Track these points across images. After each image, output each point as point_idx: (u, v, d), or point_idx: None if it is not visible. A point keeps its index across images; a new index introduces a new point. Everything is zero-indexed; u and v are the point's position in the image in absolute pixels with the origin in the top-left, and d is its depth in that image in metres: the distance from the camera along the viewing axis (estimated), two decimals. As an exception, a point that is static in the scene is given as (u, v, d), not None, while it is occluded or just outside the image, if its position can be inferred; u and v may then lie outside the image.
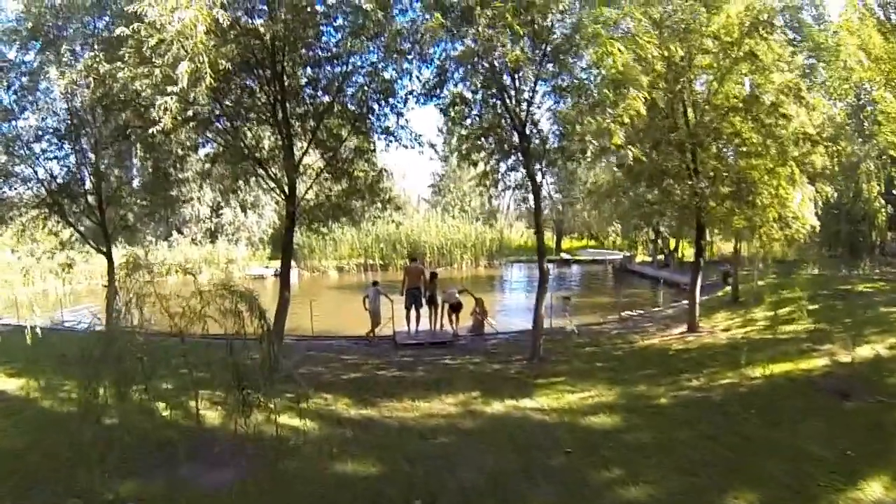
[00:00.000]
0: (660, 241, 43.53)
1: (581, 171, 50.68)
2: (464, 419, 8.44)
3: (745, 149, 14.46)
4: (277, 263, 41.86)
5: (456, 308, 16.18)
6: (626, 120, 10.31)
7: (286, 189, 11.96)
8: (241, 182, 12.97)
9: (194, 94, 9.14)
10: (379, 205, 12.97)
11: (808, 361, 10.73)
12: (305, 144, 12.31)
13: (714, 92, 14.24)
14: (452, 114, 12.87)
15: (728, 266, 29.42)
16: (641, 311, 21.57)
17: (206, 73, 8.72)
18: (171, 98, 8.82)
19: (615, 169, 16.82)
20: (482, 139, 13.09)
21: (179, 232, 44.22)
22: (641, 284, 34.77)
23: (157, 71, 8.74)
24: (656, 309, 22.01)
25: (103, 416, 7.49)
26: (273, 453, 6.91)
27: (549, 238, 62.57)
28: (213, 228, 45.84)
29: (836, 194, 15.44)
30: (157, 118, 8.91)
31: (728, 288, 24.13)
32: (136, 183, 15.72)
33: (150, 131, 9.29)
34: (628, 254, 46.14)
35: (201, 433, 7.66)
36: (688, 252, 43.65)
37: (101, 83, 10.25)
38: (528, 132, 12.51)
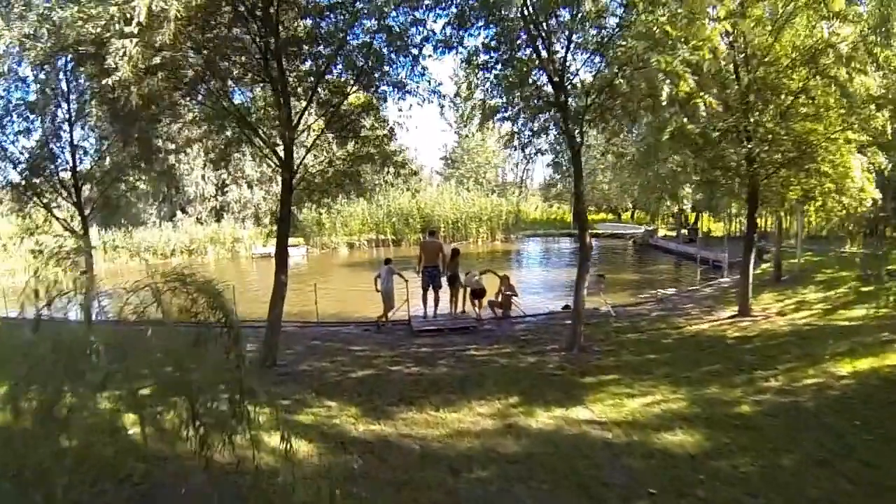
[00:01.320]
0: (682, 216, 41.94)
1: (597, 137, 48.68)
2: (504, 439, 6.62)
3: (805, 109, 12.63)
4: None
5: (478, 294, 14.42)
6: (708, 56, 8.40)
7: (281, 154, 10.12)
8: (231, 148, 11.13)
9: (160, 37, 7.29)
10: (391, 169, 11.01)
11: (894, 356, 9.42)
12: (304, 102, 10.42)
13: (771, 43, 12.27)
14: (477, 62, 10.99)
15: (763, 242, 28.02)
16: (673, 291, 20.24)
17: (171, 4, 6.91)
18: (131, 42, 7.01)
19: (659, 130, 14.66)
20: (511, 93, 11.22)
21: (184, 211, 42.83)
22: (666, 260, 33.29)
23: (112, 8, 6.93)
24: (693, 288, 20.35)
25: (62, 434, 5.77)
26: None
27: (566, 212, 60.76)
28: (218, 207, 44.47)
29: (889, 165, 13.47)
30: (114, 65, 7.09)
31: (765, 266, 22.96)
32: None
33: (105, 82, 7.42)
34: (650, 228, 44.20)
35: (168, 462, 5.90)
36: (714, 227, 42.24)
37: (54, 33, 8.40)
38: (565, 83, 10.62)
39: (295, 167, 10.22)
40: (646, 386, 8.70)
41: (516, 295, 15.20)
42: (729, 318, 13.92)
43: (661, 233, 43.58)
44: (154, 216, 43.18)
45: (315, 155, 11.30)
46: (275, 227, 10.51)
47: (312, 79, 10.30)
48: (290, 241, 35.46)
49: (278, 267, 10.08)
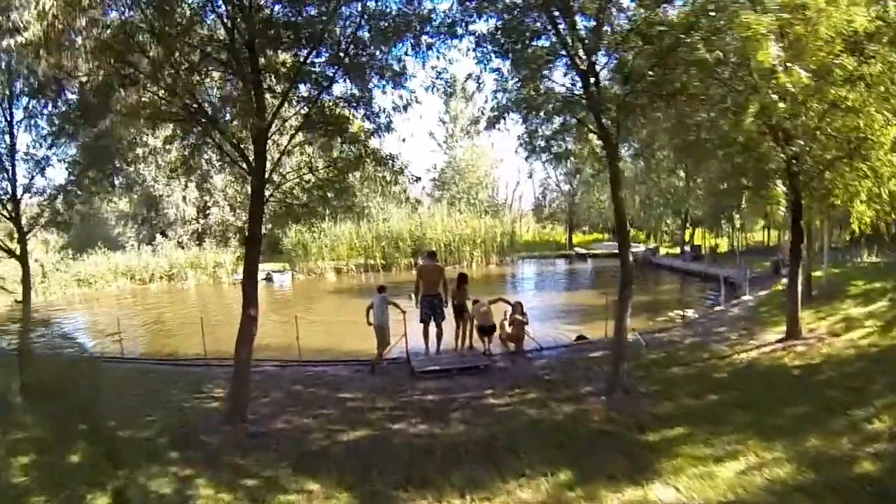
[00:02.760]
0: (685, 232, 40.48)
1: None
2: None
3: (855, 101, 10.91)
4: (269, 266, 39.40)
5: (488, 331, 12.29)
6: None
7: (251, 159, 8.06)
8: (196, 155, 9.06)
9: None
10: (387, 175, 8.87)
11: None
12: (280, 97, 8.39)
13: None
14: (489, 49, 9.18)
15: (780, 255, 26.50)
16: (692, 312, 18.78)
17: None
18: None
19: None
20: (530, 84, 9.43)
21: (164, 235, 40.68)
22: (672, 279, 31.77)
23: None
24: (718, 309, 18.35)
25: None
26: None
27: (560, 233, 59.05)
28: (200, 230, 42.33)
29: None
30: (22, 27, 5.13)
31: (785, 280, 20.84)
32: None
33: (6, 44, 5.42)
34: (650, 246, 42.51)
35: None
36: (713, 243, 40.62)
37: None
38: (595, 65, 8.77)
39: (268, 173, 8.17)
40: (729, 441, 6.75)
41: (527, 323, 13.13)
42: (777, 342, 12.10)
43: (663, 251, 41.93)
44: (133, 239, 41.07)
45: (294, 166, 9.30)
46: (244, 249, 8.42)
47: (289, 69, 8.30)
48: (275, 265, 33.54)
49: (247, 299, 7.91)
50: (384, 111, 8.31)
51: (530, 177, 57.30)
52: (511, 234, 43.23)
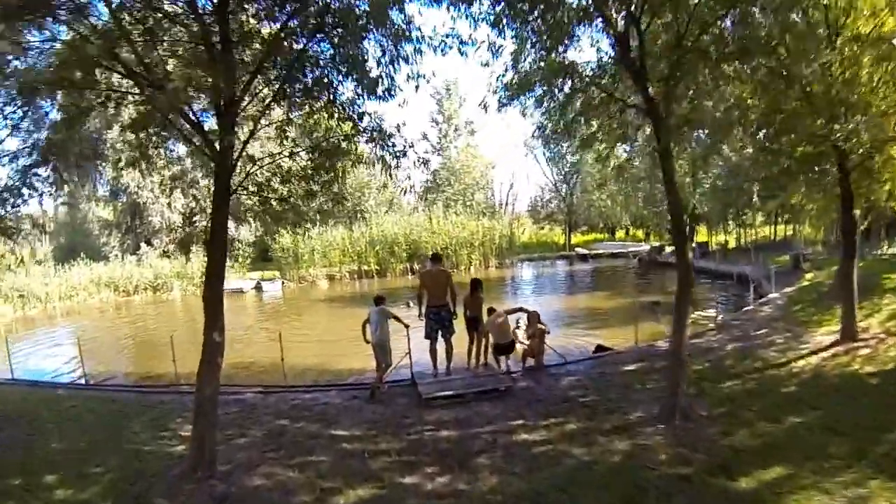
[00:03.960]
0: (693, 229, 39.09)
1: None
2: None
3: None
4: (258, 274, 37.63)
5: (505, 350, 10.51)
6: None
7: (216, 142, 6.31)
8: (149, 135, 7.23)
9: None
10: (387, 157, 6.98)
11: None
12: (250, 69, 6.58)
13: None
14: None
15: (800, 250, 25.25)
16: (708, 312, 17.45)
17: None
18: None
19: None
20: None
21: (149, 244, 38.84)
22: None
23: None
24: (747, 309, 16.69)
25: None
26: None
27: (558, 234, 57.54)
28: (185, 239, 40.47)
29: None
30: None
31: (809, 275, 20.82)
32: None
33: None
34: (656, 244, 41.01)
35: None
36: (725, 239, 39.28)
37: None
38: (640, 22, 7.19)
39: (236, 153, 6.43)
40: (846, 484, 5.28)
41: (548, 332, 11.41)
42: (832, 344, 10.81)
43: (669, 249, 40.47)
44: (117, 249, 39.33)
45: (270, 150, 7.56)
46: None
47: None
48: (264, 273, 31.79)
49: (210, 319, 6.12)
50: (386, 75, 6.49)
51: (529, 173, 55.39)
52: (509, 235, 41.59)
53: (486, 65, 8.57)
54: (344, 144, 7.10)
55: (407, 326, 9.92)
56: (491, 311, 10.59)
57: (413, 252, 37.20)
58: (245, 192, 7.09)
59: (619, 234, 59.09)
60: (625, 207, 45.60)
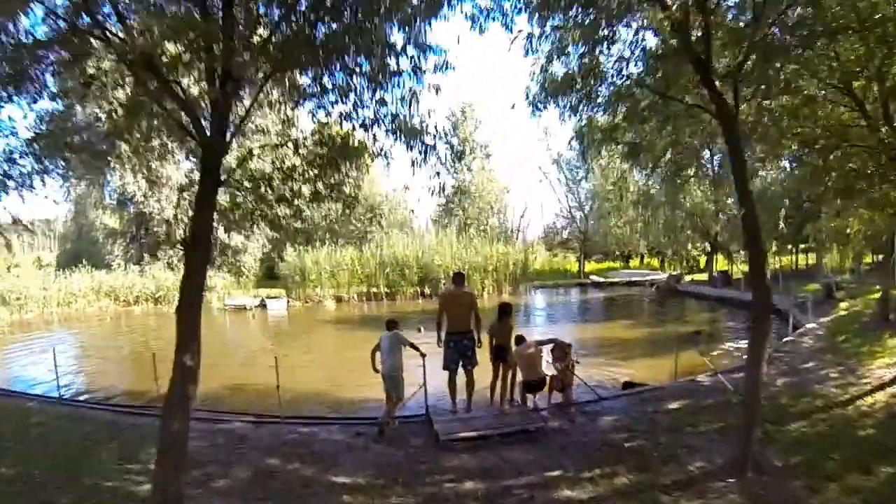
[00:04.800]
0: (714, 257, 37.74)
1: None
2: None
3: None
4: (264, 292, 36.42)
5: (536, 387, 9.05)
6: None
7: (204, 120, 5.16)
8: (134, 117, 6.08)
9: None
10: (415, 154, 5.65)
11: None
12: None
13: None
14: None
15: (831, 278, 23.98)
16: (742, 344, 15.58)
17: None
18: None
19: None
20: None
21: (153, 256, 37.83)
22: (701, 307, 29.28)
23: None
24: (787, 340, 15.40)
25: None
26: None
27: (571, 262, 56.17)
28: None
29: None
30: None
31: (843, 304, 19.89)
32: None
33: None
34: (674, 273, 39.66)
35: None
36: (742, 269, 37.91)
37: None
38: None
39: (229, 138, 5.27)
40: None
41: (578, 362, 10.08)
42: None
43: (688, 277, 39.15)
44: (120, 258, 38.41)
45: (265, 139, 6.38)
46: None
47: None
48: (270, 291, 30.50)
49: (183, 339, 4.86)
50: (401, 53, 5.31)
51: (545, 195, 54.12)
52: (524, 262, 40.21)
53: (528, 53, 7.51)
54: (358, 134, 5.89)
55: (423, 355, 8.54)
56: (520, 339, 9.18)
57: (424, 275, 35.85)
58: (238, 186, 5.91)
59: (634, 262, 57.74)
60: (644, 235, 44.26)
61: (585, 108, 8.24)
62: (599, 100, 8.16)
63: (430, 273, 35.74)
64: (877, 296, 17.73)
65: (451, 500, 5.69)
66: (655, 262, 54.32)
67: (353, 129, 5.70)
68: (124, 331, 25.32)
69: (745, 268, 38.21)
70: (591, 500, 5.59)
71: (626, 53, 7.74)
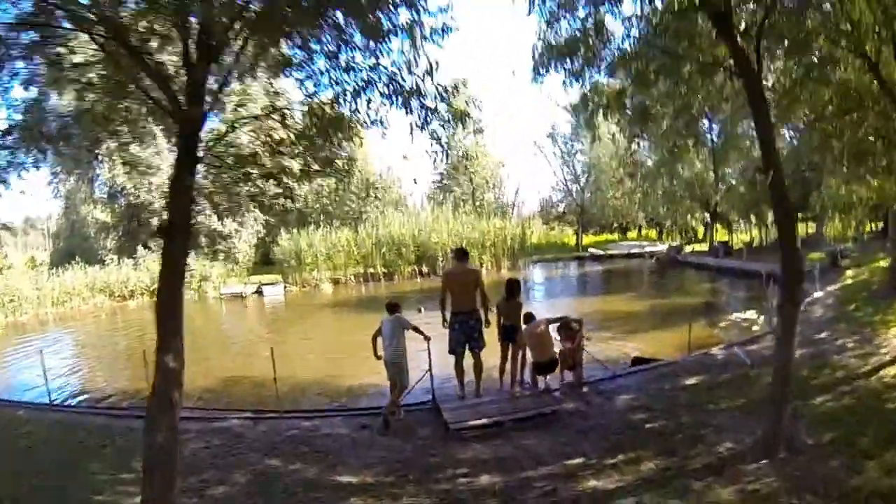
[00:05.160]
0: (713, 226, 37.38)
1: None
2: None
3: None
4: (259, 278, 35.80)
5: (547, 368, 8.54)
6: None
7: (180, 95, 4.60)
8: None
9: None
10: (413, 116, 5.09)
11: None
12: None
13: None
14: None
15: (839, 247, 23.86)
16: (748, 314, 15.98)
17: None
18: None
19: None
20: None
21: (147, 247, 37.15)
22: (702, 278, 28.94)
23: None
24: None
25: None
26: None
27: (569, 235, 55.77)
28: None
29: None
30: None
31: (849, 272, 19.64)
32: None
33: None
34: (674, 244, 39.27)
35: None
36: (751, 237, 37.62)
37: None
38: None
39: (207, 106, 4.71)
40: None
41: (589, 339, 9.64)
42: None
43: (688, 248, 38.78)
44: (113, 252, 37.76)
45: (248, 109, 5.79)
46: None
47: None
48: (265, 278, 30.02)
49: (164, 338, 4.34)
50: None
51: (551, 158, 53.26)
52: (521, 236, 39.72)
53: (531, 11, 6.95)
54: (352, 102, 5.31)
55: (427, 339, 7.97)
56: (528, 317, 8.65)
57: (422, 254, 35.45)
58: (221, 163, 5.37)
59: (631, 234, 57.45)
60: (642, 205, 43.81)
61: (590, 72, 7.73)
62: (604, 63, 7.64)
63: (427, 251, 35.43)
64: (882, 264, 17.59)
65: (467, 497, 5.24)
66: (653, 234, 54.01)
67: (345, 94, 5.11)
68: (119, 327, 24.76)
69: (745, 237, 38.18)
70: (618, 490, 5.14)
71: (638, 10, 7.24)
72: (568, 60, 7.61)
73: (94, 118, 5.69)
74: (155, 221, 37.62)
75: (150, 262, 35.32)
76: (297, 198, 6.38)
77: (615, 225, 55.57)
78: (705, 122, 30.35)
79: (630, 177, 40.80)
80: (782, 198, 6.13)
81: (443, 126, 5.27)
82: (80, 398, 12.28)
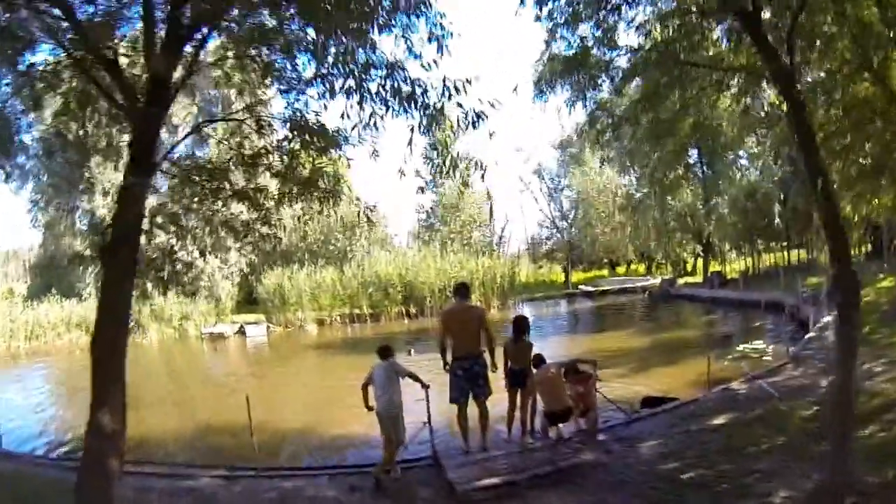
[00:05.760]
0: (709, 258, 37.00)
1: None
2: None
3: None
4: (242, 318, 34.54)
5: (560, 419, 7.45)
6: None
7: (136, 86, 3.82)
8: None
9: None
10: (414, 115, 4.31)
11: None
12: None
13: None
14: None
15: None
16: (756, 344, 15.79)
17: None
18: None
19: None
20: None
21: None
22: (698, 310, 28.56)
23: None
24: (811, 336, 14.43)
25: None
26: None
27: (557, 273, 55.03)
28: (164, 277, 37.36)
29: None
30: None
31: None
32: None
33: None
34: (667, 277, 38.81)
35: None
36: (747, 266, 37.22)
37: None
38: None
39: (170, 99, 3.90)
40: None
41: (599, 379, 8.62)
42: None
43: (681, 281, 38.36)
44: (91, 286, 36.10)
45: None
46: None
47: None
48: (248, 317, 28.89)
49: (101, 385, 3.39)
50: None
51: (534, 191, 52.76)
52: (511, 275, 38.87)
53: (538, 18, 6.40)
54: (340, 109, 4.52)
55: (426, 387, 6.95)
56: (538, 360, 7.63)
57: (409, 294, 34.50)
58: (185, 175, 4.51)
59: (620, 269, 56.97)
60: (633, 238, 43.42)
61: (599, 84, 7.19)
62: (613, 75, 7.10)
63: (414, 291, 34.50)
64: (885, 284, 17.48)
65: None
66: (642, 269, 53.56)
67: (332, 92, 4.31)
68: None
69: (737, 267, 37.74)
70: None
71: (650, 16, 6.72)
72: (575, 73, 7.11)
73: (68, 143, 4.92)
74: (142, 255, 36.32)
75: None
76: (276, 225, 5.45)
77: (605, 260, 55.06)
78: (694, 152, 30.65)
79: (621, 210, 40.43)
80: (833, 216, 5.34)
81: (454, 130, 4.44)
82: (36, 444, 11.25)
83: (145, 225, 4.31)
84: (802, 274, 28.60)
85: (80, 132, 5.40)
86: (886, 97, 7.77)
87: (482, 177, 5.13)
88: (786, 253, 37.13)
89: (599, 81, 7.28)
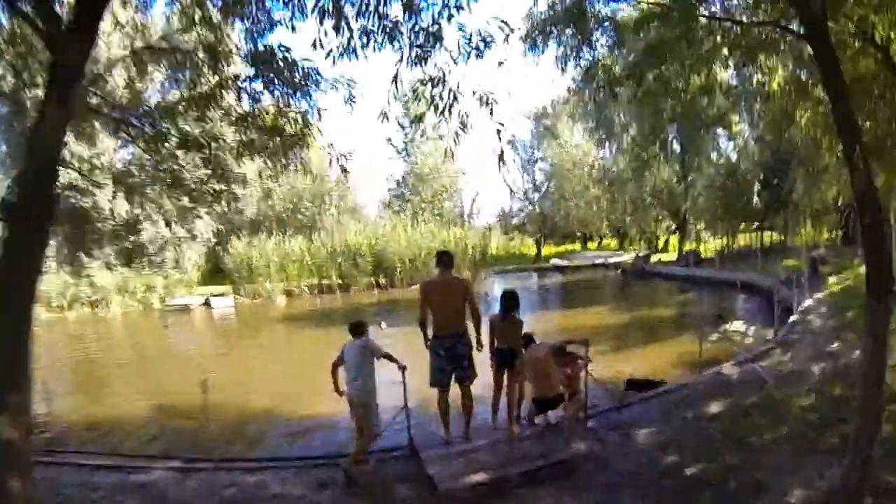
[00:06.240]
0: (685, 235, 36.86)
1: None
2: None
3: None
4: (209, 290, 33.34)
5: (550, 405, 6.76)
6: None
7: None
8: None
9: None
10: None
11: None
12: None
13: None
14: None
15: (817, 253, 24.24)
16: (735, 325, 15.79)
17: None
18: None
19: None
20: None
21: (88, 255, 33.97)
22: (672, 289, 28.11)
23: None
24: (793, 319, 13.95)
25: None
26: None
27: (529, 245, 54.66)
28: (130, 248, 35.71)
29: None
30: None
31: (832, 279, 19.23)
32: None
33: None
34: (642, 253, 38.62)
35: None
36: (724, 245, 37.22)
37: None
38: None
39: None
40: None
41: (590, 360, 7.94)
42: None
43: (655, 258, 38.21)
44: (52, 259, 34.25)
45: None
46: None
47: None
48: (215, 289, 27.74)
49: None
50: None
51: (506, 166, 52.25)
52: (483, 246, 38.20)
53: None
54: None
55: (403, 368, 6.19)
56: (528, 340, 6.91)
57: (379, 264, 33.64)
58: (115, 116, 3.66)
59: (591, 244, 56.90)
60: (609, 213, 43.13)
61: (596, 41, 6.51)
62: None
63: (384, 262, 33.61)
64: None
65: None
66: (614, 244, 53.49)
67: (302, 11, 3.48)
68: (55, 341, 21.70)
69: (711, 246, 37.73)
70: None
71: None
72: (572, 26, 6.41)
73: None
74: (99, 226, 34.42)
75: (92, 271, 32.54)
76: (233, 179, 4.67)
77: (577, 234, 54.85)
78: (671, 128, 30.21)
79: (596, 183, 39.95)
80: (868, 194, 4.68)
81: (454, 59, 3.63)
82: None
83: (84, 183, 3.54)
84: (777, 255, 28.72)
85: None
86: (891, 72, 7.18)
87: (490, 112, 4.32)
88: (760, 233, 37.37)
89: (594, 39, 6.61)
